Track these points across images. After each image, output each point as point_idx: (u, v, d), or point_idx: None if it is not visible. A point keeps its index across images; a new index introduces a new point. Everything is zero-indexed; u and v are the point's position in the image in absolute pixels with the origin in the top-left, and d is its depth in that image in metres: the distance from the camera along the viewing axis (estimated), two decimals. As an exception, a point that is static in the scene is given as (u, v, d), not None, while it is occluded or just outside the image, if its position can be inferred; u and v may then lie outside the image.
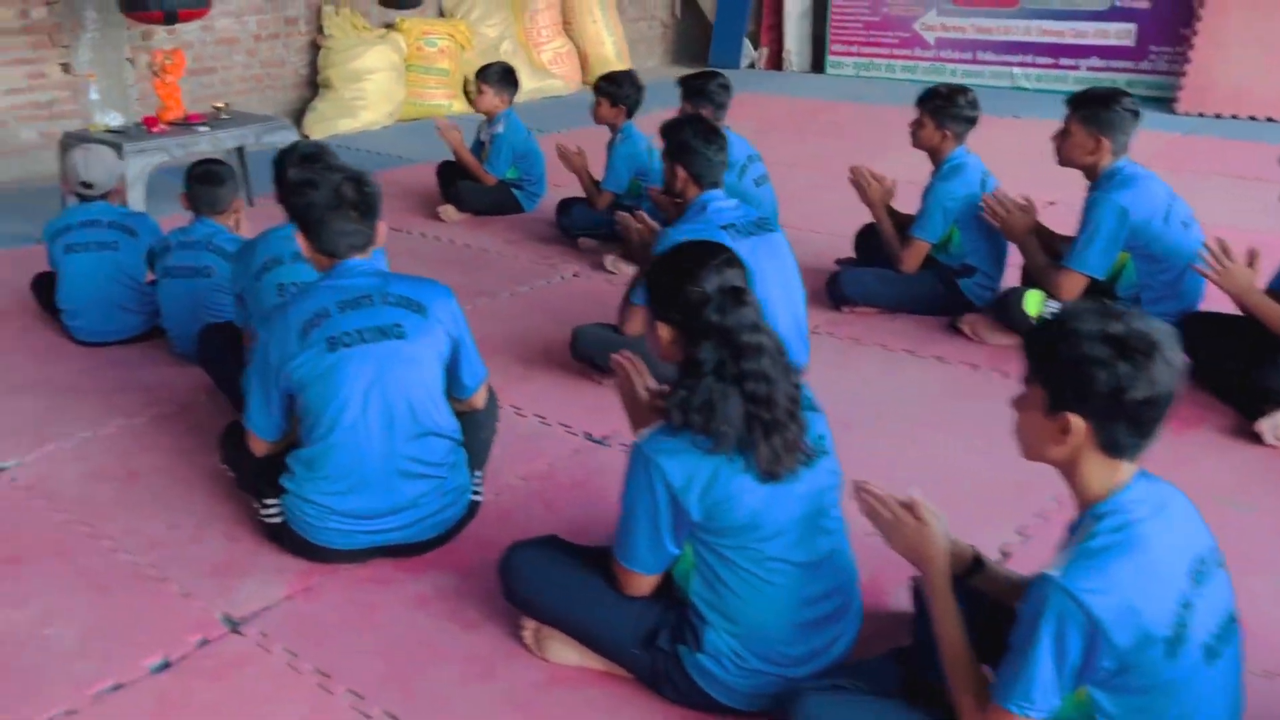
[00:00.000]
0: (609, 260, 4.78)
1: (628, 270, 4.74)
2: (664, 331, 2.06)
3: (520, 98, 9.15)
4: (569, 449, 3.21)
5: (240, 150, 5.60)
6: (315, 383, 2.44)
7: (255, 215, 5.66)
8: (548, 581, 2.21)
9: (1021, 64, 9.25)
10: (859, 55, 10.16)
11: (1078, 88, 9.59)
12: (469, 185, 5.57)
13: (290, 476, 2.52)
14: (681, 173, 3.37)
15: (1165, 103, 8.45)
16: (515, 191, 5.66)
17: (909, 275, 4.09)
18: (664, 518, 1.97)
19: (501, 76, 5.54)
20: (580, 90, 9.76)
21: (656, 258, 2.14)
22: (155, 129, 5.02)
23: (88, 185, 3.89)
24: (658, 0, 11.34)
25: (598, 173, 5.14)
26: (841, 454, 2.14)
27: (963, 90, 4.05)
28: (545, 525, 2.77)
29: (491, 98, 5.53)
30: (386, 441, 2.47)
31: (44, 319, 4.21)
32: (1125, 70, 8.76)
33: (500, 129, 5.56)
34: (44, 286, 4.15)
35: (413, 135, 7.91)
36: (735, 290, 1.98)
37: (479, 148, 5.73)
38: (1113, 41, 8.78)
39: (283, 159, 3.09)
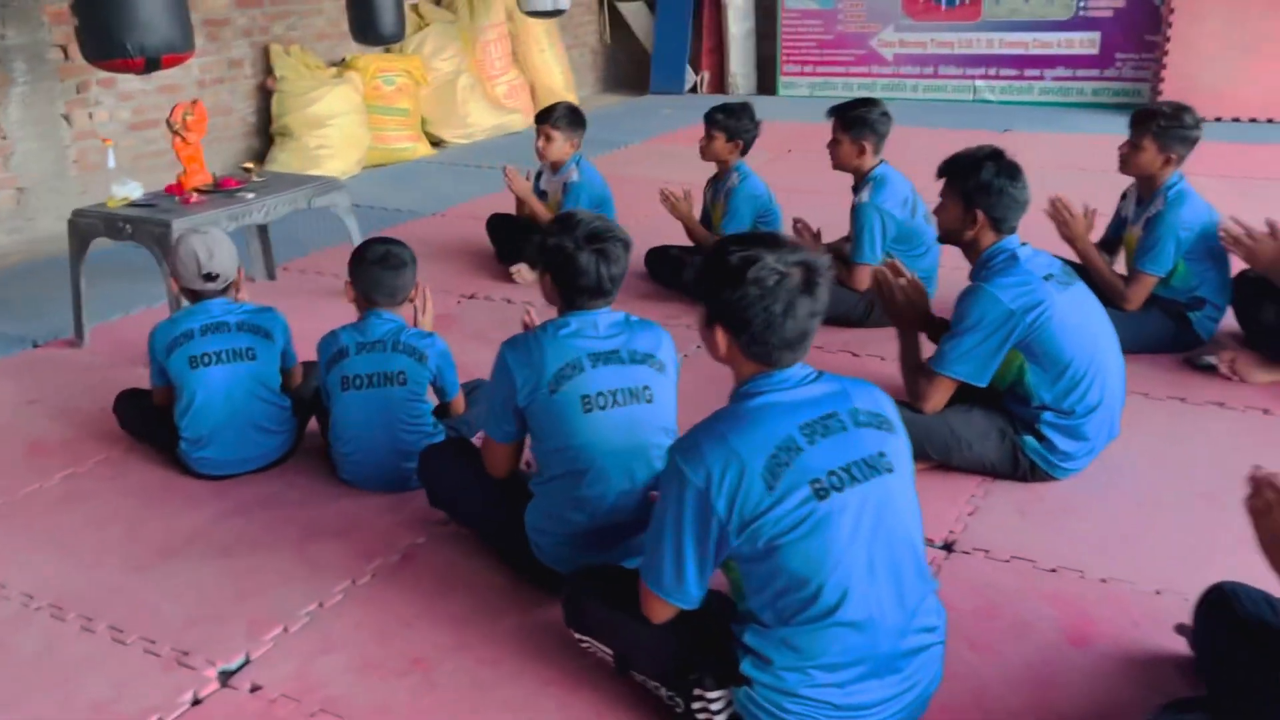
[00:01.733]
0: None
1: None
2: None
3: (480, 135, 8.54)
4: (930, 560, 2.66)
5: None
6: (800, 543, 1.83)
7: (271, 290, 4.86)
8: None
9: (984, 76, 9.20)
10: (813, 75, 9.92)
11: (1043, 98, 9.84)
12: (546, 240, 4.90)
13: (761, 665, 1.89)
14: (981, 217, 2.89)
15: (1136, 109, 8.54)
16: (590, 243, 5.03)
17: (1134, 314, 3.73)
18: None
19: (570, 118, 4.92)
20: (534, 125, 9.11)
21: None
22: (191, 201, 4.15)
23: (212, 278, 3.08)
24: (588, 27, 10.82)
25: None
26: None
27: (1186, 108, 3.72)
28: (989, 672, 2.24)
29: (562, 143, 4.90)
30: (899, 612, 1.89)
31: (130, 448, 3.35)
32: (1091, 79, 8.83)
33: (575, 176, 4.93)
34: (134, 408, 3.30)
35: (390, 183, 7.12)
36: None
37: (540, 197, 5.08)
38: (1078, 51, 8.83)
39: (562, 237, 2.42)
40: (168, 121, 4.34)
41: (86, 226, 4.11)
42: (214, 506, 3.01)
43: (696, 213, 4.75)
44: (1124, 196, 3.98)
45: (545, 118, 4.90)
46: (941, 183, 3.01)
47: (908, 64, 9.50)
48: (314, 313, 4.27)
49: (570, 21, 10.44)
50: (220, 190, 4.34)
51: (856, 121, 4.02)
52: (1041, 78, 9.01)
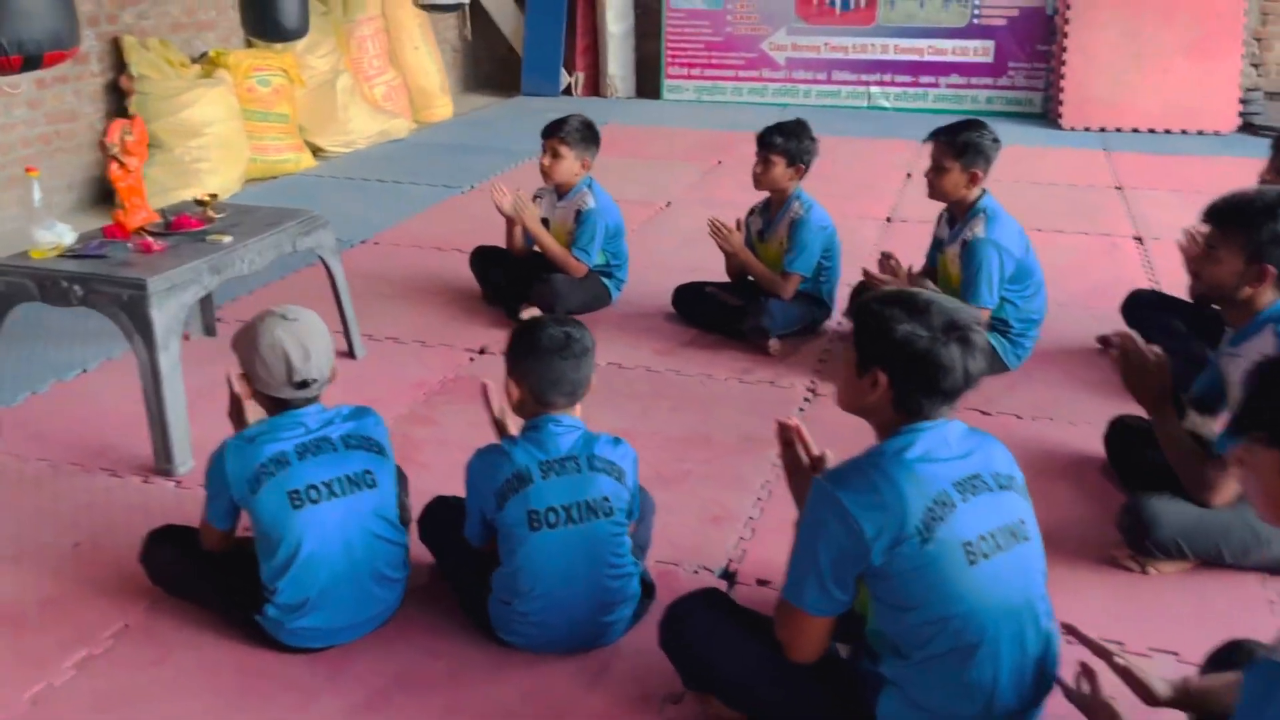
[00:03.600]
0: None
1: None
2: None
3: (362, 143, 7.52)
4: None
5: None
6: None
7: (213, 349, 3.83)
8: None
9: (880, 83, 9.02)
10: (701, 79, 9.45)
11: (938, 106, 9.75)
12: (562, 279, 4.16)
13: None
14: (1271, 273, 2.47)
15: (1031, 117, 8.61)
16: (603, 280, 4.32)
17: None
18: None
19: (584, 132, 4.19)
20: (417, 130, 8.17)
21: None
22: (153, 249, 3.13)
23: (305, 384, 2.20)
24: (447, 22, 9.88)
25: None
26: None
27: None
28: None
29: (572, 162, 4.18)
30: None
31: (152, 606, 2.41)
32: (985, 87, 8.81)
33: (590, 203, 4.21)
34: (179, 560, 2.36)
35: (282, 203, 5.99)
36: None
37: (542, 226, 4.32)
38: (973, 59, 8.78)
39: (914, 324, 1.78)
40: (102, 144, 3.33)
41: (10, 288, 3.02)
42: (334, 699, 2.15)
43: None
44: None
45: (554, 131, 4.15)
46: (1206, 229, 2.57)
47: (800, 69, 9.18)
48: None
49: (428, 16, 9.49)
50: (179, 232, 3.34)
51: (969, 147, 3.53)
52: (936, 85, 8.90)
